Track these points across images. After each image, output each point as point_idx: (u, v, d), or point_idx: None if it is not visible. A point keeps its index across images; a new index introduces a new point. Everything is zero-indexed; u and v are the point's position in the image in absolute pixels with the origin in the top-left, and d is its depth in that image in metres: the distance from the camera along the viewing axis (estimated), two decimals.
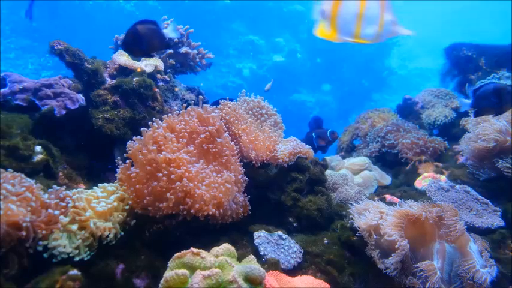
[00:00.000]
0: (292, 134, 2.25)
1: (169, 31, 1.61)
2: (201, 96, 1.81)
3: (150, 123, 1.62)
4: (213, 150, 1.68)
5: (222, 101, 2.04)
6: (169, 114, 1.72)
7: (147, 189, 1.48)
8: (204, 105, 1.79)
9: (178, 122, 1.69)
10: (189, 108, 1.76)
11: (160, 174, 1.46)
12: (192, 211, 1.45)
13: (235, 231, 1.65)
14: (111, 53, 2.41)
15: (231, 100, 2.10)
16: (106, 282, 1.31)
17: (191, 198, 1.45)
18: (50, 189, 1.34)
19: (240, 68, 13.45)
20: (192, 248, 1.21)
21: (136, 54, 1.76)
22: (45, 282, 1.13)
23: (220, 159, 1.68)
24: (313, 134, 2.67)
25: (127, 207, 1.49)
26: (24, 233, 1.14)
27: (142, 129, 1.60)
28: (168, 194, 1.43)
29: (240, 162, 1.79)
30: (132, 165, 1.57)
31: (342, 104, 13.85)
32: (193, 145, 1.65)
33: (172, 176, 1.45)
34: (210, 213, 1.47)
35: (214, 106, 1.91)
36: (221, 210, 1.52)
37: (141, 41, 1.54)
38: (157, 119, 1.65)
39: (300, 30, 13.90)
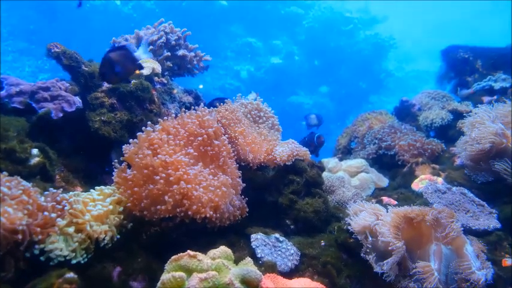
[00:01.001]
0: (290, 136, 2.26)
1: (141, 53, 1.69)
2: (201, 104, 1.82)
3: (143, 128, 1.63)
4: (211, 153, 1.68)
5: (221, 104, 2.04)
6: (165, 118, 1.72)
7: (144, 192, 1.48)
8: (201, 107, 1.79)
9: (176, 124, 1.69)
10: (187, 112, 1.76)
11: (158, 177, 1.46)
12: (189, 213, 1.45)
13: (232, 233, 1.65)
14: None
15: (224, 99, 2.11)
16: (103, 285, 1.30)
17: (188, 200, 1.45)
18: (46, 192, 1.34)
19: (237, 70, 13.48)
20: (188, 251, 1.21)
21: (113, 81, 1.86)
22: (41, 285, 1.12)
23: (217, 162, 1.68)
24: (306, 138, 2.69)
25: (121, 209, 1.49)
26: (20, 236, 1.14)
27: (138, 134, 1.60)
28: (166, 197, 1.43)
29: (237, 164, 1.79)
30: (129, 167, 1.57)
31: (340, 106, 13.90)
32: (191, 148, 1.65)
33: (171, 178, 1.46)
34: (208, 215, 1.47)
35: (212, 108, 1.92)
36: (218, 214, 1.52)
37: (115, 67, 1.67)
38: (151, 123, 1.66)
39: (298, 33, 13.96)
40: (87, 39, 10.59)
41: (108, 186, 1.58)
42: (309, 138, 2.73)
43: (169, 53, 2.63)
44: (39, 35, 11.46)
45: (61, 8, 11.66)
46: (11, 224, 1.12)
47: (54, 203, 1.30)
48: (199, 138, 1.67)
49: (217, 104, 2.06)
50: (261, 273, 1.22)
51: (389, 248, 1.46)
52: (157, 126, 1.67)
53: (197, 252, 1.22)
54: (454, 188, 2.19)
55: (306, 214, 1.81)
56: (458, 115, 3.08)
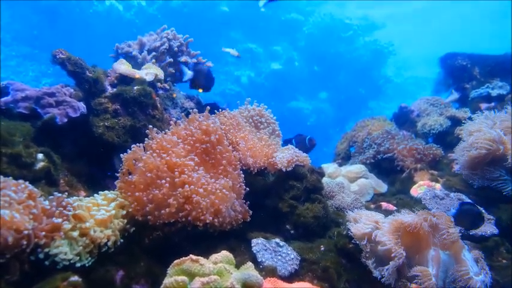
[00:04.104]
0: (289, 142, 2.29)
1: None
2: (208, 107, 1.87)
3: (147, 130, 1.67)
4: (212, 161, 1.71)
5: (221, 110, 2.08)
6: (173, 122, 1.77)
7: (147, 196, 1.50)
8: (205, 113, 1.82)
9: (182, 130, 1.73)
10: (191, 117, 1.79)
11: (163, 181, 1.48)
12: (189, 218, 1.48)
13: (233, 238, 1.67)
14: (111, 61, 2.45)
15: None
16: None
17: (190, 205, 1.47)
18: (50, 196, 1.36)
19: (238, 75, 13.56)
20: (191, 255, 1.23)
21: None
22: (46, 287, 1.14)
23: (219, 167, 1.71)
24: (293, 141, 2.68)
25: (124, 212, 1.51)
26: (25, 242, 1.16)
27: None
28: (170, 200, 1.46)
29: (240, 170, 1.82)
30: (130, 173, 1.60)
31: (339, 111, 13.96)
32: (194, 153, 1.68)
33: (176, 180, 1.48)
34: (208, 221, 1.49)
35: (214, 115, 1.95)
36: (220, 218, 1.54)
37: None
38: (152, 128, 1.72)
39: (298, 39, 14.06)
40: (90, 44, 10.66)
41: (111, 191, 1.61)
42: (297, 141, 2.70)
43: (171, 59, 2.66)
44: (42, 40, 11.53)
45: (64, 13, 11.76)
46: (18, 229, 1.15)
47: (61, 208, 1.32)
48: (204, 146, 1.70)
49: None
50: (261, 277, 1.24)
51: (392, 255, 1.48)
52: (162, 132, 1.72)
53: (199, 257, 1.24)
54: (452, 194, 2.22)
55: (305, 219, 1.83)
56: (456, 121, 3.12)
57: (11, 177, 1.31)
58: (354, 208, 2.19)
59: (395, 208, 2.29)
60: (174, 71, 2.71)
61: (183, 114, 2.01)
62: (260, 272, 1.40)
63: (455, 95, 3.48)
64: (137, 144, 1.66)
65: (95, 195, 1.56)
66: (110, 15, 12.37)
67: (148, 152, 1.59)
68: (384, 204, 2.38)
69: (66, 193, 1.46)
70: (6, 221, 1.11)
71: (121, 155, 1.64)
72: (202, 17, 12.55)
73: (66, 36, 11.35)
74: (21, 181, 1.31)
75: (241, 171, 1.80)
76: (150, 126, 1.74)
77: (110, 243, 1.37)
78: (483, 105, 3.29)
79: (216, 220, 1.52)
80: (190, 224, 1.50)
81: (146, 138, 1.69)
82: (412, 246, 1.59)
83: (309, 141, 2.62)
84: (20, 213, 1.18)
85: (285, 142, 2.72)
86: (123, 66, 2.27)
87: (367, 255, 1.60)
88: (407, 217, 1.61)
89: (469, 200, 2.16)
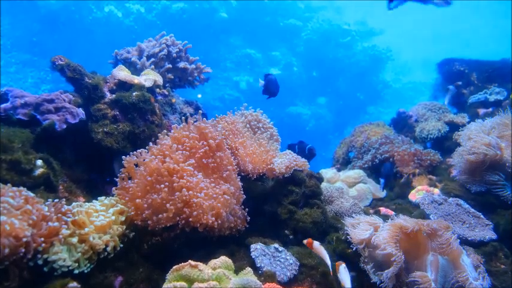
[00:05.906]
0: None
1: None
2: (200, 111, 1.88)
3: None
4: (212, 165, 1.72)
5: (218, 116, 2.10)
6: (174, 125, 1.79)
7: (146, 202, 1.51)
8: (204, 119, 1.83)
9: (182, 136, 1.74)
10: (189, 121, 1.80)
11: (162, 185, 1.49)
12: (190, 220, 1.48)
13: (232, 243, 1.67)
14: (110, 68, 2.47)
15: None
16: None
17: (189, 208, 1.48)
18: (47, 202, 1.36)
19: (237, 80, 13.61)
20: (190, 261, 1.24)
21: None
22: None
23: (219, 173, 1.72)
24: (296, 147, 2.68)
25: (123, 218, 1.51)
26: (23, 250, 1.16)
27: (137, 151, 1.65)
28: (168, 205, 1.46)
29: (238, 176, 1.83)
30: (129, 179, 1.61)
31: (338, 116, 14.00)
32: (193, 159, 1.69)
33: (175, 184, 1.49)
34: (210, 222, 1.49)
35: (215, 120, 1.97)
36: (219, 222, 1.54)
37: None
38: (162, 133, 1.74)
39: (296, 44, 14.16)
40: (90, 51, 10.71)
41: (110, 197, 1.61)
42: (300, 147, 2.70)
43: (170, 65, 2.68)
44: (42, 47, 11.59)
45: (64, 20, 11.83)
46: (16, 236, 1.14)
47: (60, 215, 1.32)
48: (202, 150, 1.71)
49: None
50: (260, 283, 1.24)
51: (391, 260, 1.48)
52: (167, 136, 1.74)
53: (198, 262, 1.24)
54: (450, 199, 2.22)
55: (304, 224, 1.83)
56: (454, 127, 3.14)
57: (9, 184, 1.31)
58: (352, 213, 2.19)
59: (393, 213, 2.29)
60: (173, 77, 2.73)
61: (183, 118, 2.02)
62: (259, 277, 1.40)
63: (451, 91, 3.51)
64: (138, 150, 1.67)
65: (94, 201, 1.56)
66: (109, 22, 12.44)
67: (151, 157, 1.60)
68: (383, 210, 2.38)
69: (65, 199, 1.46)
70: (6, 229, 1.12)
71: (123, 157, 1.64)
72: (202, 23, 12.64)
73: (65, 43, 11.40)
74: (21, 188, 1.31)
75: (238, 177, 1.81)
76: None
77: (109, 249, 1.37)
78: (481, 111, 3.31)
79: (216, 222, 1.53)
80: (190, 226, 1.50)
81: (151, 143, 1.70)
82: (410, 251, 1.59)
83: (309, 151, 2.61)
84: (19, 219, 1.18)
85: (289, 147, 2.73)
86: (122, 73, 2.28)
87: (366, 260, 1.60)
88: (405, 221, 1.61)
89: (468, 205, 2.16)
